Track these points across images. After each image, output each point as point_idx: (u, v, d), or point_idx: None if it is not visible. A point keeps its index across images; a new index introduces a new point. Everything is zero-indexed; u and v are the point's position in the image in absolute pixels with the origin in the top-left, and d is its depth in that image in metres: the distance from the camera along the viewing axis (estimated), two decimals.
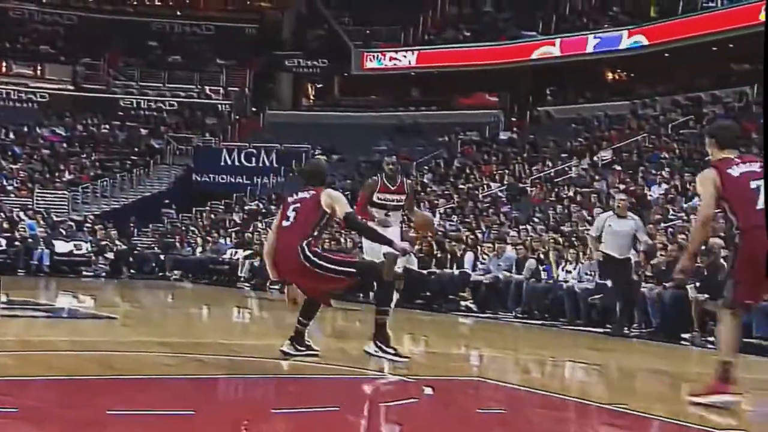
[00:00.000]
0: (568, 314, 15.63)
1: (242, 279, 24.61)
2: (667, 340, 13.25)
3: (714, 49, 32.89)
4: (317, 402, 5.91)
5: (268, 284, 20.44)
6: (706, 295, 13.13)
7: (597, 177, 27.72)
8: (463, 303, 16.70)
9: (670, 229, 18.87)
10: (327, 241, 23.81)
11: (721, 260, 13.75)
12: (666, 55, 33.89)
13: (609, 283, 13.73)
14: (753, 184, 6.69)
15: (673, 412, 6.87)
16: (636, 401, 7.78)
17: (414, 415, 6.19)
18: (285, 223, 8.10)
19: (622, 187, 25.43)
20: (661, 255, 14.86)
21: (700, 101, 31.85)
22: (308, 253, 7.77)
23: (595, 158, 30.03)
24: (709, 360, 11.67)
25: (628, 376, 10.00)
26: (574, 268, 16.33)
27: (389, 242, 8.73)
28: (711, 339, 12.77)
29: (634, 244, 13.45)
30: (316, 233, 8.11)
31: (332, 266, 7.92)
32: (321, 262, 7.81)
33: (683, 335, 13.31)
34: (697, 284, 13.32)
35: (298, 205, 8.10)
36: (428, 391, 6.77)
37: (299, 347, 8.13)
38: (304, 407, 5.69)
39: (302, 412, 5.62)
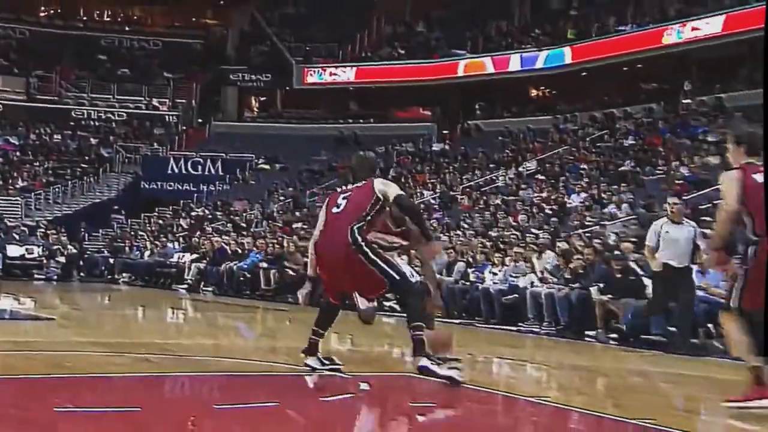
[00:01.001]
0: (483, 314, 15.56)
1: (189, 281, 24.06)
2: (574, 338, 13.38)
3: (625, 69, 33.46)
4: (255, 398, 5.81)
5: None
6: (609, 296, 13.34)
7: (522, 186, 27.88)
8: (386, 303, 16.63)
9: (587, 234, 19.10)
10: None
11: (631, 263, 13.93)
12: (584, 74, 34.29)
13: (656, 293, 12.19)
14: None
15: (588, 404, 6.91)
16: (554, 393, 7.83)
17: (351, 409, 6.14)
18: (335, 210, 7.27)
19: (544, 195, 25.94)
20: (577, 259, 14.86)
21: (613, 117, 32.18)
22: (358, 236, 7.01)
23: (520, 168, 30.18)
24: (617, 355, 12.30)
25: (544, 370, 10.08)
26: (500, 270, 16.24)
27: (430, 237, 8.19)
28: (613, 336, 13.14)
29: (694, 251, 11.90)
30: (369, 218, 7.27)
31: (380, 262, 7.15)
32: (369, 253, 7.07)
33: (588, 332, 13.41)
34: (601, 285, 13.40)
35: (350, 193, 7.37)
36: (364, 386, 6.70)
37: (324, 361, 7.41)
38: (243, 403, 5.62)
39: (242, 407, 5.51)
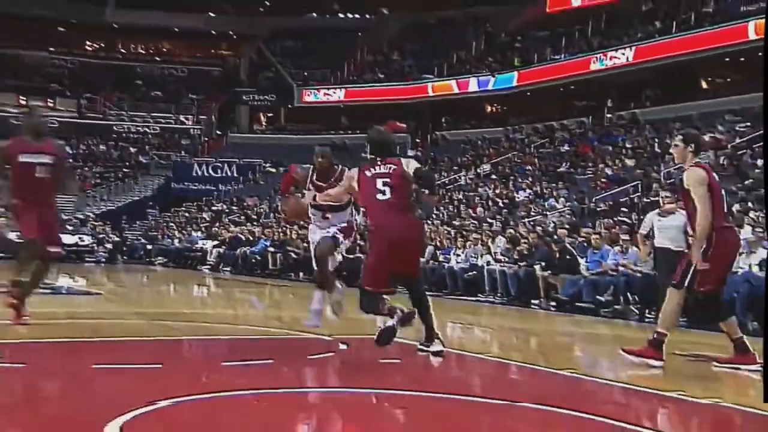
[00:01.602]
0: (448, 287, 15.55)
1: (211, 263, 24.02)
2: (521, 306, 13.46)
3: (561, 89, 33.45)
4: (256, 356, 5.85)
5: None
6: (549, 272, 13.45)
7: (479, 184, 27.92)
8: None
9: (531, 223, 19.28)
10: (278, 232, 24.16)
11: (567, 245, 13.95)
12: (528, 93, 34.22)
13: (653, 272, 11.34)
14: (722, 191, 6.32)
15: (524, 358, 7.03)
16: (497, 351, 8.17)
17: (332, 365, 6.19)
18: (381, 197, 6.26)
19: (497, 191, 26.07)
20: (524, 242, 14.98)
21: (552, 128, 32.27)
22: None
23: (478, 170, 30.25)
24: (554, 320, 12.42)
25: (494, 332, 10.19)
26: (462, 252, 16.31)
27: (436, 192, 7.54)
28: (552, 304, 13.29)
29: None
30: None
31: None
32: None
33: (533, 302, 13.56)
34: (543, 264, 13.53)
35: (388, 179, 6.29)
36: (342, 346, 6.65)
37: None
38: (247, 360, 5.68)
39: (246, 364, 5.63)
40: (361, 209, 6.36)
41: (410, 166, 6.39)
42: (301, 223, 13.61)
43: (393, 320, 5.91)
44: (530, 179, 26.42)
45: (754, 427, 4.47)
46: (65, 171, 7.34)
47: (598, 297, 12.45)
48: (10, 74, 41.55)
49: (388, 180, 6.24)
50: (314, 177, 7.01)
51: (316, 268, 6.84)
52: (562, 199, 23.00)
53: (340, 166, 7.12)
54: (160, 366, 5.51)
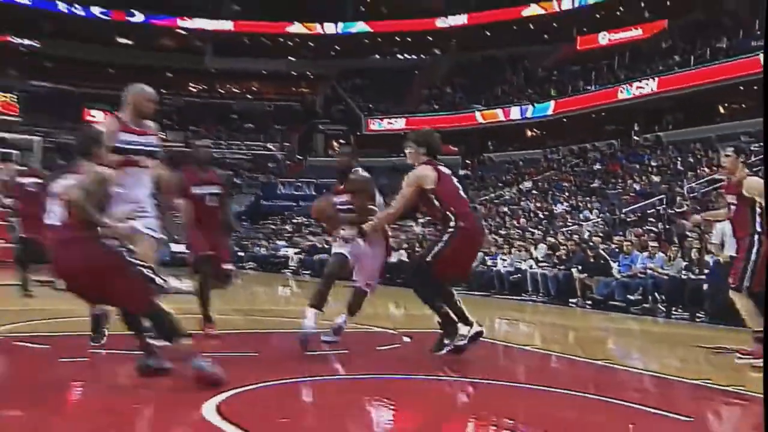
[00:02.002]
0: (496, 288, 15.38)
1: (293, 268, 24.11)
2: (561, 304, 13.30)
3: (593, 116, 32.91)
4: (333, 347, 5.76)
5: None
6: (585, 275, 13.28)
7: (522, 199, 27.65)
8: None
9: (568, 232, 18.94)
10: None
11: (600, 251, 13.75)
12: (564, 120, 33.93)
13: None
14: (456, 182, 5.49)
15: (567, 350, 6.92)
16: (539, 343, 8.05)
17: (397, 355, 6.05)
18: (464, 197, 5.61)
19: (538, 205, 25.85)
20: (562, 248, 14.84)
21: (585, 150, 31.83)
22: None
23: (520, 187, 29.97)
24: (589, 317, 12.01)
25: (540, 327, 9.96)
26: (508, 258, 16.14)
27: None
28: (588, 303, 13.04)
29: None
30: None
31: None
32: None
33: (570, 300, 13.37)
34: (579, 267, 13.39)
35: (456, 179, 5.60)
36: (406, 339, 6.55)
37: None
38: (323, 351, 5.63)
39: (323, 353, 5.56)
40: (444, 206, 5.29)
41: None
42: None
43: (464, 340, 5.22)
44: (567, 194, 26.11)
45: None
46: (227, 201, 6.98)
47: (628, 296, 12.29)
48: None
49: (456, 180, 5.58)
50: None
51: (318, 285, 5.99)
52: (596, 211, 22.58)
53: (359, 171, 6.04)
54: (256, 354, 5.58)
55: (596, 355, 6.55)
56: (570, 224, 21.35)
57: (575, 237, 16.70)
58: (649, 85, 29.17)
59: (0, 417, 3.55)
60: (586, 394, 4.36)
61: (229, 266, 6.81)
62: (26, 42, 37.28)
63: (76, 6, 37.82)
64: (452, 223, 5.21)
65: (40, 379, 4.46)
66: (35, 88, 39.31)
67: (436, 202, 5.25)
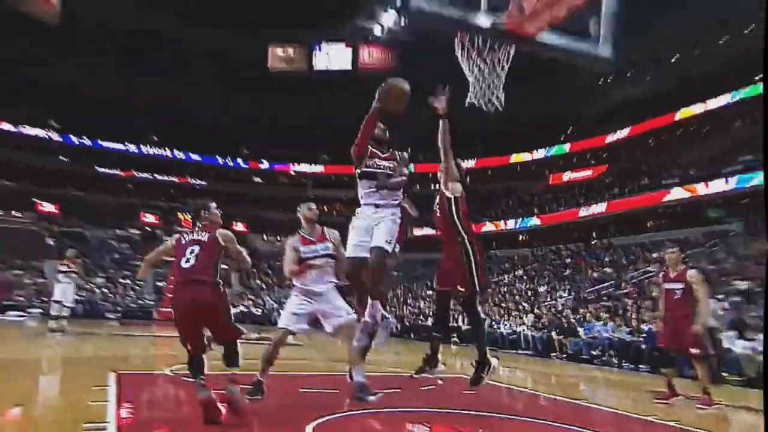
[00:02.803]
0: (499, 344, 14.02)
1: None
2: (544, 357, 12.34)
3: (564, 226, 31.81)
4: (391, 386, 5.06)
5: None
6: (561, 336, 12.57)
7: (516, 282, 26.64)
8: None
9: (548, 305, 17.89)
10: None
11: (571, 319, 13.23)
12: (544, 229, 33.10)
13: None
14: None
15: (549, 390, 6.38)
16: (535, 386, 7.23)
17: (435, 393, 5.33)
18: None
19: (527, 286, 24.79)
20: (544, 317, 14.15)
21: (560, 249, 30.64)
22: None
23: (515, 274, 28.90)
24: (565, 367, 10.82)
25: (530, 374, 9.10)
26: (507, 322, 15.32)
27: None
28: (564, 356, 12.17)
29: None
30: None
31: None
32: None
33: (552, 354, 12.48)
34: (557, 330, 12.78)
35: None
36: (440, 382, 5.70)
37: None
38: (384, 390, 4.52)
39: (383, 391, 4.40)
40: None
41: None
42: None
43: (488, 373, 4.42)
44: (547, 279, 25.56)
45: None
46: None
47: (592, 352, 12.03)
48: None
49: None
50: None
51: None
52: (567, 291, 22.12)
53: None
54: (337, 391, 4.97)
55: (572, 395, 6.32)
56: (549, 300, 20.89)
57: (553, 309, 16.46)
58: (600, 207, 29.00)
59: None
60: (564, 425, 4.11)
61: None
62: (198, 182, 37.15)
63: (228, 159, 40.61)
64: None
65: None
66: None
67: None
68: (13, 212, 27.48)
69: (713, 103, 25.35)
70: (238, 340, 3.66)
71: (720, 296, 10.07)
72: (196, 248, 3.69)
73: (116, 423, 3.45)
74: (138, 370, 6.43)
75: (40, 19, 23.70)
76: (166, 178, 32.74)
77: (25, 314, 17.26)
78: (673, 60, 27.69)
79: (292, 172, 38.13)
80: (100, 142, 31.37)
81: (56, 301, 10.91)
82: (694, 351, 5.44)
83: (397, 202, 3.84)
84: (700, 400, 5.49)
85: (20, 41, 26.46)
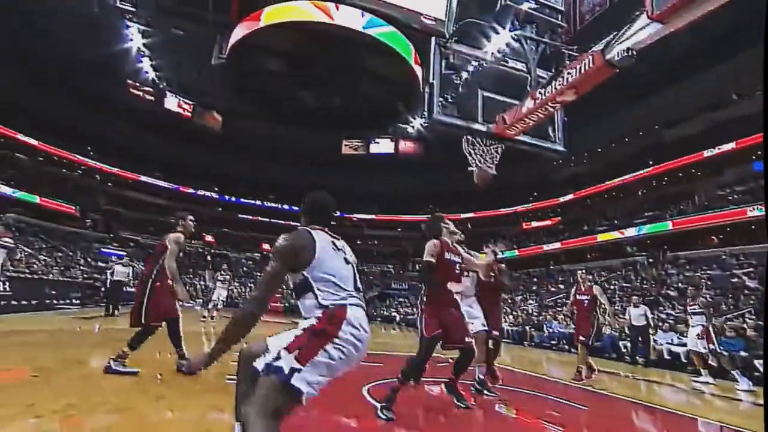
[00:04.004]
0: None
1: None
2: (519, 344, 11.68)
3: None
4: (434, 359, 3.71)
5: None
6: (532, 329, 12.15)
7: None
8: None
9: (525, 311, 17.10)
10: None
11: (536, 318, 12.81)
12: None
13: None
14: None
15: (524, 367, 5.71)
16: (512, 364, 6.27)
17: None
18: None
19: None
20: (531, 320, 13.30)
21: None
22: None
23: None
24: (532, 351, 10.00)
25: (510, 358, 7.74)
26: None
27: None
28: (533, 344, 11.55)
29: None
30: None
31: None
32: None
33: (524, 342, 11.91)
34: (529, 326, 12.35)
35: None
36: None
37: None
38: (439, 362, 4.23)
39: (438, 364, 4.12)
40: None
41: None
42: None
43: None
44: (521, 292, 24.55)
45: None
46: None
47: (551, 341, 11.44)
48: None
49: None
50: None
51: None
52: (534, 300, 21.48)
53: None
54: (382, 365, 4.43)
55: (538, 370, 5.86)
56: (523, 306, 19.57)
57: (525, 312, 16.18)
58: (556, 245, 26.99)
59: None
60: (533, 392, 3.85)
61: (496, 333, 4.47)
62: (295, 224, 34.78)
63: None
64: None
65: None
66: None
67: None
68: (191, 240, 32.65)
69: (625, 178, 26.40)
70: None
71: (638, 304, 8.77)
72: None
73: None
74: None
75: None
76: (276, 221, 36.03)
77: (192, 303, 18.86)
78: (599, 150, 30.01)
79: (354, 219, 40.98)
80: (241, 199, 35.29)
81: (213, 299, 10.40)
82: (580, 338, 5.23)
83: None
84: (588, 376, 5.12)
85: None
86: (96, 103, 23.96)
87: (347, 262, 2.08)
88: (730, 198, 18.05)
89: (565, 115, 5.39)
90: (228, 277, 10.47)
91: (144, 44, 15.14)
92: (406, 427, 2.73)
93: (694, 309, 6.47)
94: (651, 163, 24.43)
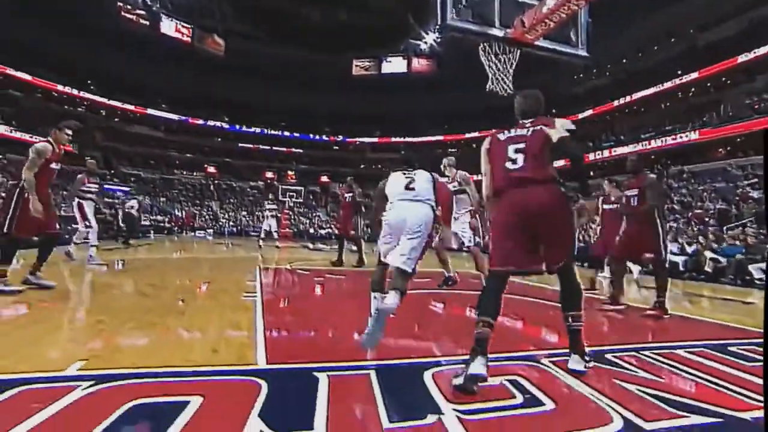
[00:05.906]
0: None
1: None
2: None
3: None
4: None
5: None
6: None
7: None
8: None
9: None
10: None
11: None
12: None
13: None
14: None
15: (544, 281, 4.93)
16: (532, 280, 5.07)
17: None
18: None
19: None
20: None
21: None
22: None
23: None
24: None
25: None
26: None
27: None
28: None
29: None
30: None
31: None
32: None
33: None
34: None
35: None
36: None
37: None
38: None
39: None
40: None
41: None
42: None
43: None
44: None
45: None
46: None
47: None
48: None
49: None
50: None
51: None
52: None
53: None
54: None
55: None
56: None
57: None
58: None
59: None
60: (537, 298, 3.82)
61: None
62: (297, 150, 37.11)
63: (316, 135, 37.74)
64: None
65: (310, 285, 4.23)
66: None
67: None
68: (193, 173, 32.01)
69: (644, 93, 25.10)
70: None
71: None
72: None
73: (261, 293, 3.64)
74: (270, 265, 6.29)
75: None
76: (279, 148, 35.58)
77: (203, 232, 19.47)
78: (624, 60, 27.45)
79: (357, 142, 39.46)
80: (242, 128, 34.83)
81: (264, 228, 10.59)
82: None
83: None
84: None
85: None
86: (88, 33, 23.01)
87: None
88: (756, 107, 17.26)
89: (589, 16, 5.08)
90: (274, 207, 10.64)
91: None
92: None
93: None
94: (679, 72, 22.66)
